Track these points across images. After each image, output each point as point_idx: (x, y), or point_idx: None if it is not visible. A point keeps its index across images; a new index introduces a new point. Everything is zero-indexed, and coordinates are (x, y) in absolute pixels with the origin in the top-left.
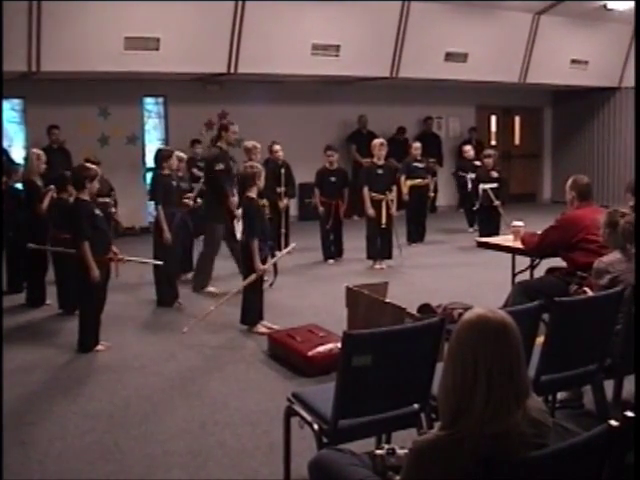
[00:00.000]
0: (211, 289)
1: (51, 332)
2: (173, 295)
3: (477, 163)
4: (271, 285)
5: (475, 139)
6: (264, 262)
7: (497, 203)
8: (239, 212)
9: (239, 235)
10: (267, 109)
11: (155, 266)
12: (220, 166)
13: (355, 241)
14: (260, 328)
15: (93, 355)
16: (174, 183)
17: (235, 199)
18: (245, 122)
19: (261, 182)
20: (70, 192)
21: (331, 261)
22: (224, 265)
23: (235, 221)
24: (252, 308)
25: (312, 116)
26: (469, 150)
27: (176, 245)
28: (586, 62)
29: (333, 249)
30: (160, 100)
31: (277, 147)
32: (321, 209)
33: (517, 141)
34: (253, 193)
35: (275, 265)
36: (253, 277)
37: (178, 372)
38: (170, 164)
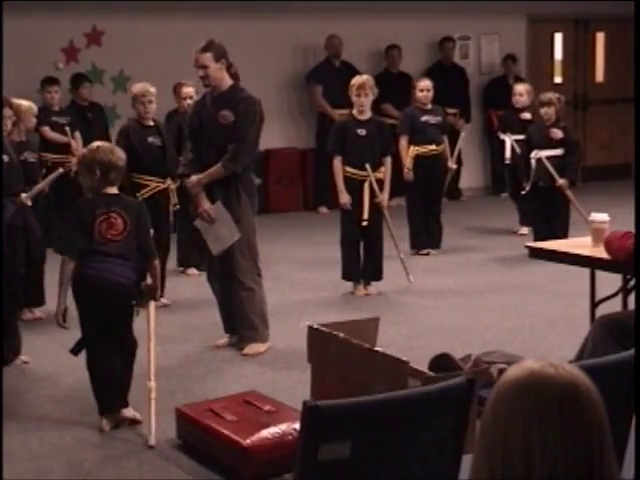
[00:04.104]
0: None
1: None
2: (11, 348)
3: (527, 116)
4: None
5: (514, 75)
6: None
7: (561, 182)
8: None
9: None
10: (171, 26)
11: None
12: None
13: (324, 249)
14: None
15: None
16: (5, 158)
17: None
18: (136, 47)
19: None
20: None
21: None
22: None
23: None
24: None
25: (248, 38)
26: (522, 93)
27: (15, 261)
28: None
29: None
30: None
31: (188, 90)
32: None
33: (600, 77)
34: (115, 190)
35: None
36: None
37: None
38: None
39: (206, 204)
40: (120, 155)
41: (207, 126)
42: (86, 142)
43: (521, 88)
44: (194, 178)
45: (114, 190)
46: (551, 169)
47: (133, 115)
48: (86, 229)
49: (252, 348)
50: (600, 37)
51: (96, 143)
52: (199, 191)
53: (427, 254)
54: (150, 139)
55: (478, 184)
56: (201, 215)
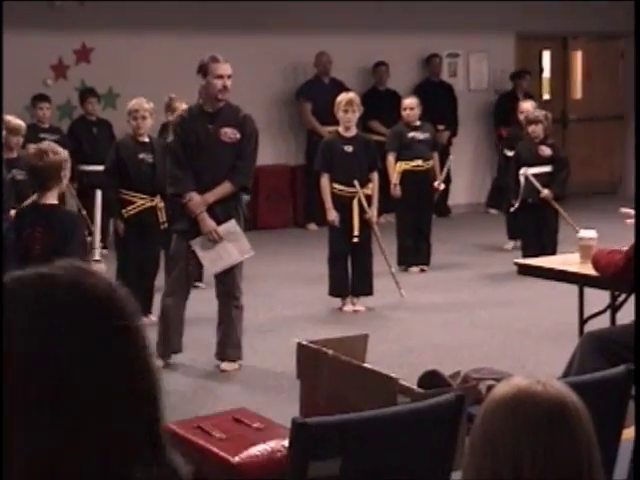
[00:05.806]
0: None
1: None
2: None
3: None
4: None
5: (523, 91)
6: None
7: (545, 193)
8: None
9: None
10: (160, 43)
11: None
12: None
13: (314, 266)
14: None
15: None
16: None
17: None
18: (125, 64)
19: (66, 178)
20: None
21: None
22: None
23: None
24: None
25: (238, 55)
26: (530, 110)
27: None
28: None
29: None
30: None
31: (183, 107)
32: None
33: (577, 93)
34: (54, 197)
35: None
36: None
37: None
38: None
39: (212, 223)
40: (53, 159)
41: (207, 143)
42: (91, 157)
43: (528, 105)
44: (196, 197)
45: (51, 199)
46: (535, 183)
47: (128, 131)
48: (17, 241)
49: (231, 365)
50: (578, 56)
51: (33, 147)
52: (202, 210)
53: (422, 271)
54: (141, 155)
55: (467, 200)
56: (210, 235)
